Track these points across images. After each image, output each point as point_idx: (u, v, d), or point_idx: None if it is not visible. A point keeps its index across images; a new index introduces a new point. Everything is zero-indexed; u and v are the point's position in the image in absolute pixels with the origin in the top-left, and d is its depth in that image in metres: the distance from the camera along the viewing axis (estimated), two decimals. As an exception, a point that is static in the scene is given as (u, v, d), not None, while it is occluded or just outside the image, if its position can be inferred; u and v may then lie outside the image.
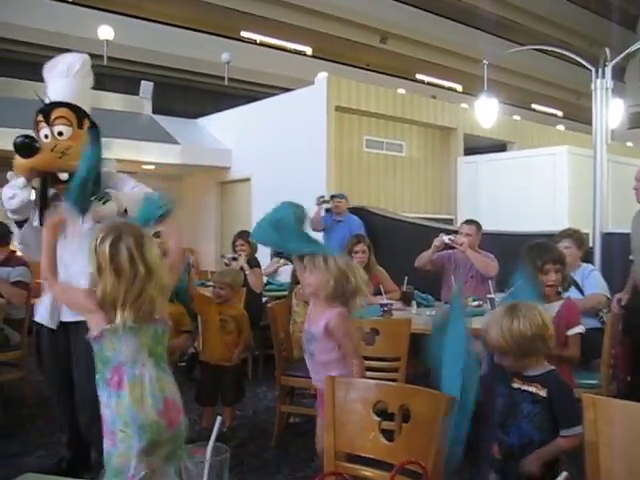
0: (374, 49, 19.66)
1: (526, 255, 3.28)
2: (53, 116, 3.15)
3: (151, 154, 9.75)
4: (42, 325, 3.28)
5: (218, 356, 4.12)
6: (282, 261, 6.33)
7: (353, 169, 9.63)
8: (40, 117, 3.17)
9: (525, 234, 5.83)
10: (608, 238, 5.60)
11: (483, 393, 2.32)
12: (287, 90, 10.31)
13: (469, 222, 5.27)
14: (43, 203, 3.19)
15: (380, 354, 3.61)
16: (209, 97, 15.98)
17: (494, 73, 11.31)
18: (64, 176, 3.13)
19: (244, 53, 16.31)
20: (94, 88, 3.46)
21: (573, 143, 10.14)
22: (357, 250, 4.95)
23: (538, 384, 2.18)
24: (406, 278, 4.88)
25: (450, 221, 9.78)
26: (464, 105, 11.66)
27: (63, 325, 3.17)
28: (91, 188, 3.00)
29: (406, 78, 20.43)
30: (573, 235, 4.28)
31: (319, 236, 6.95)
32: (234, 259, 5.72)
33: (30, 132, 3.12)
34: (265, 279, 6.29)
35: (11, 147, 2.98)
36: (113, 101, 10.47)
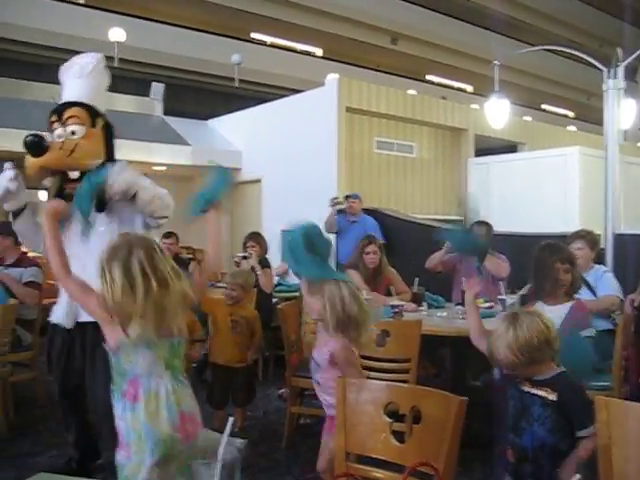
0: (384, 50, 19.63)
1: (536, 254, 3.28)
2: (66, 115, 3.17)
3: (162, 155, 9.78)
4: (57, 326, 3.29)
5: (229, 357, 4.13)
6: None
7: (364, 170, 9.61)
8: (54, 117, 3.20)
9: (536, 235, 5.80)
10: (620, 239, 5.56)
11: (496, 396, 2.32)
12: (297, 91, 10.31)
13: (480, 223, 5.25)
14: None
15: (391, 355, 3.60)
16: (219, 98, 16.04)
17: (504, 73, 11.25)
18: (74, 174, 3.15)
19: (254, 54, 16.32)
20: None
21: (584, 144, 10.08)
22: (368, 251, 4.95)
23: (548, 388, 2.17)
24: (417, 279, 4.87)
25: (461, 222, 9.75)
26: (475, 106, 11.62)
27: (80, 325, 3.15)
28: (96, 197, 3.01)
29: (416, 79, 20.40)
30: (586, 236, 4.26)
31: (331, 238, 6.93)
32: (244, 257, 5.73)
33: (34, 132, 3.14)
34: (276, 279, 6.29)
35: (12, 147, 3.01)
36: (124, 103, 10.51)
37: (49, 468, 3.40)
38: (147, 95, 11.35)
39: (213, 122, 11.44)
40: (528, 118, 14.06)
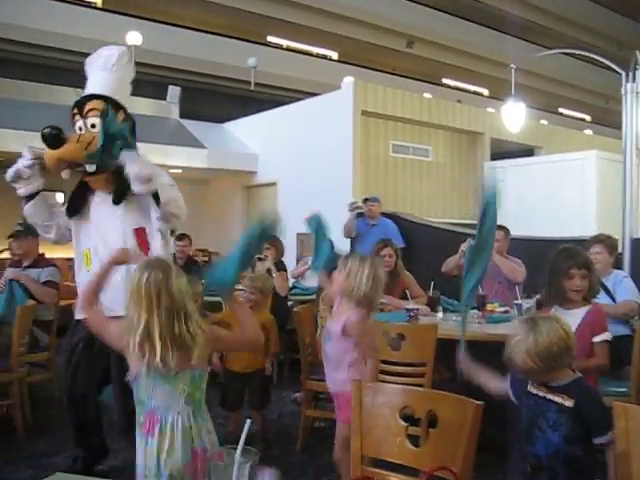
0: (400, 53, 19.61)
1: (552, 259, 3.25)
2: (86, 108, 3.19)
3: (178, 158, 9.83)
4: (81, 321, 3.29)
5: (245, 363, 4.08)
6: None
7: (379, 174, 9.61)
8: (75, 110, 3.22)
9: (553, 239, 5.75)
10: (638, 243, 5.51)
11: (513, 402, 2.29)
12: (313, 95, 10.33)
13: (497, 227, 5.22)
14: (78, 196, 3.26)
15: (406, 359, 3.59)
16: (236, 102, 16.09)
17: (521, 77, 11.22)
18: (92, 168, 3.17)
19: (270, 58, 16.37)
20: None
21: (601, 147, 10.01)
22: (383, 254, 4.94)
23: (564, 394, 2.13)
24: (432, 283, 4.85)
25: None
26: (491, 109, 11.58)
27: None
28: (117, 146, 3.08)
29: (432, 82, 20.35)
30: (605, 241, 4.22)
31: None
32: (260, 259, 5.73)
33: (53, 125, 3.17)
34: (291, 282, 6.29)
35: (12, 148, 3.03)
36: (141, 106, 10.57)
37: (65, 468, 3.42)
38: (164, 98, 11.42)
39: (229, 125, 11.49)
40: (545, 122, 13.98)
